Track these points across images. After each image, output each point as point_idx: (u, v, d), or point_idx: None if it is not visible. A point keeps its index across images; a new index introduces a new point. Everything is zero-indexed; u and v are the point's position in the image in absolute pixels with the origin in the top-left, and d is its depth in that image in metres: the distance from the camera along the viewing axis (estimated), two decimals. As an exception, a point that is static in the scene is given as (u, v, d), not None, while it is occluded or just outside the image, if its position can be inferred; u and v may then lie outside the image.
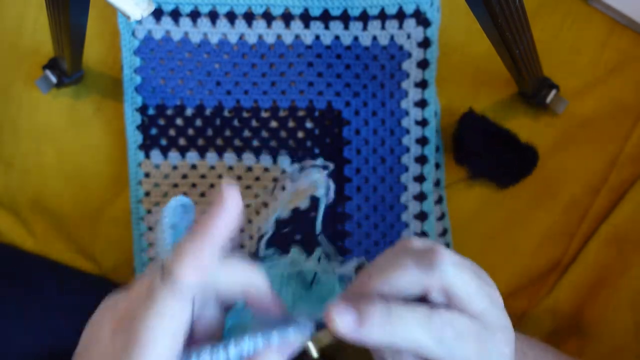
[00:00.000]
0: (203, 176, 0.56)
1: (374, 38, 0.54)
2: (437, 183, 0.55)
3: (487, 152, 0.53)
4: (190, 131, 0.56)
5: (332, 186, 0.42)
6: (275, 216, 0.47)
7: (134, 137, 0.56)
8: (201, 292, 0.31)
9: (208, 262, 0.29)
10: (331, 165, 0.43)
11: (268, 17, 0.54)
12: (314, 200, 0.48)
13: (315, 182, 0.42)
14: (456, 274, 0.30)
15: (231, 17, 0.55)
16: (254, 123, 0.56)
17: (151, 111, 0.56)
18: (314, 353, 0.31)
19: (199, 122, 0.56)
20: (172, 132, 0.56)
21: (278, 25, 0.54)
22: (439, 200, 0.55)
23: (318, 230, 0.43)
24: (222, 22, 0.55)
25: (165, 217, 0.33)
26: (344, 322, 0.29)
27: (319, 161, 0.45)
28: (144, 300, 0.30)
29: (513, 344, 0.32)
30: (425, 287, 0.30)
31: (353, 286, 0.32)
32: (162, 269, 0.29)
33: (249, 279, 0.32)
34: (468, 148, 0.54)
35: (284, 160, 0.55)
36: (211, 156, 0.56)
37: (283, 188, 0.56)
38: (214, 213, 0.29)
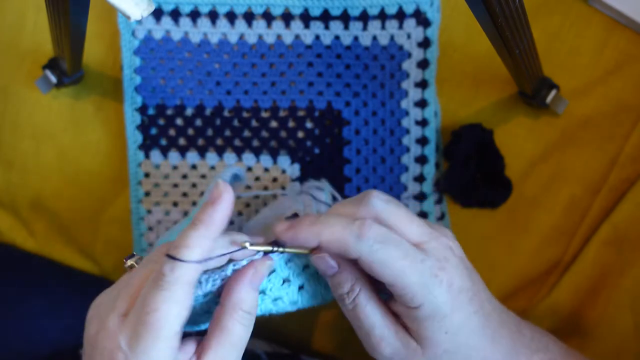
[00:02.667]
0: (203, 176, 0.56)
1: (374, 38, 0.54)
2: (437, 183, 0.55)
3: (466, 181, 0.54)
4: (190, 131, 0.56)
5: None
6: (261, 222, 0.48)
7: (134, 137, 0.56)
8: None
9: (210, 249, 0.34)
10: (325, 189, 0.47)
11: (268, 17, 0.54)
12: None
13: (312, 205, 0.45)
14: (384, 206, 0.37)
15: (231, 17, 0.55)
16: (254, 123, 0.56)
17: (151, 111, 0.56)
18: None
19: (199, 122, 0.56)
20: (172, 132, 0.56)
21: (278, 25, 0.54)
22: (439, 200, 0.55)
23: None
24: (222, 22, 0.55)
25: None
26: (281, 227, 0.37)
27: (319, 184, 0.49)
28: (153, 288, 0.33)
29: (456, 278, 0.37)
30: (352, 256, 0.36)
31: (286, 233, 0.38)
32: (169, 257, 0.33)
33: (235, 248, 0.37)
34: (451, 172, 0.54)
35: (284, 160, 0.55)
36: (211, 156, 0.56)
37: (282, 189, 0.56)
38: (213, 206, 0.34)
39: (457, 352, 0.38)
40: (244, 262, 0.36)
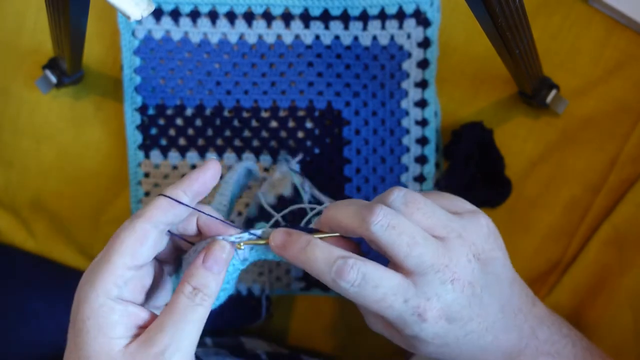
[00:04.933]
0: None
1: (374, 38, 0.54)
2: (437, 182, 0.55)
3: (466, 181, 0.54)
4: (190, 131, 0.56)
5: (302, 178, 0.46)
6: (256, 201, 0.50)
7: (134, 137, 0.56)
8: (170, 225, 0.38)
9: (181, 199, 0.37)
10: (293, 158, 0.50)
11: (268, 17, 0.54)
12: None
13: (286, 171, 0.48)
14: (383, 235, 0.36)
15: (231, 17, 0.54)
16: (254, 123, 0.56)
17: (151, 111, 0.56)
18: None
19: (198, 122, 0.56)
20: (172, 132, 0.56)
21: (278, 25, 0.54)
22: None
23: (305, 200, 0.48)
24: (222, 22, 0.55)
25: (234, 175, 0.43)
26: (275, 240, 0.38)
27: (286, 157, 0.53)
28: (124, 223, 0.36)
29: (452, 305, 0.36)
30: (359, 235, 0.37)
31: (320, 218, 0.40)
32: (147, 204, 0.37)
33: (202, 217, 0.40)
34: (451, 171, 0.54)
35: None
36: (211, 156, 0.56)
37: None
38: (197, 170, 0.38)
39: (444, 354, 0.39)
40: (232, 239, 0.38)
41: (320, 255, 0.37)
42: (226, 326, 0.58)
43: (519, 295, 0.41)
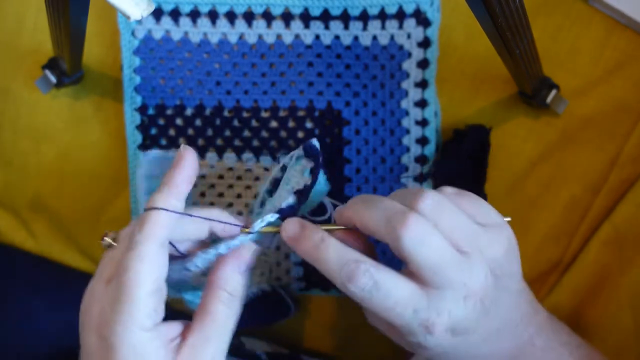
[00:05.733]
0: (203, 176, 0.56)
1: (374, 38, 0.54)
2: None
3: (452, 175, 0.54)
4: (190, 131, 0.56)
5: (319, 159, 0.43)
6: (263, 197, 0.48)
7: (134, 137, 0.56)
8: (171, 236, 0.37)
9: (176, 209, 0.36)
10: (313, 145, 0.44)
11: (268, 16, 0.54)
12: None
13: (303, 166, 0.45)
14: (413, 252, 0.34)
15: (231, 16, 0.54)
16: (254, 123, 0.56)
17: (151, 111, 0.56)
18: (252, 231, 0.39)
19: (198, 122, 0.56)
20: (171, 132, 0.56)
21: (278, 25, 0.54)
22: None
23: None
24: (222, 22, 0.55)
25: (141, 169, 0.41)
26: (288, 231, 0.37)
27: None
28: (125, 250, 0.34)
29: (460, 321, 0.36)
30: (386, 241, 0.35)
31: (339, 209, 0.39)
32: (138, 220, 0.35)
33: (211, 217, 0.39)
34: (443, 162, 0.55)
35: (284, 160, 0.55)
36: (211, 156, 0.56)
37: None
38: (176, 169, 0.36)
39: (440, 357, 0.39)
40: (237, 243, 0.38)
41: (333, 255, 0.36)
42: (258, 325, 0.57)
43: (524, 305, 0.41)
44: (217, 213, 0.39)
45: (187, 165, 0.37)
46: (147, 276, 0.34)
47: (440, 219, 0.35)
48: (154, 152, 0.45)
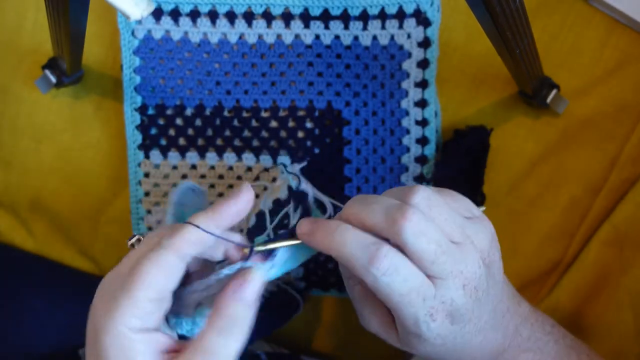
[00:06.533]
0: (203, 176, 0.56)
1: (374, 38, 0.54)
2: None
3: (455, 177, 0.54)
4: (190, 131, 0.56)
5: (301, 179, 0.44)
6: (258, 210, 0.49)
7: (134, 137, 0.56)
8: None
9: (212, 234, 0.35)
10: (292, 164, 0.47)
11: (268, 16, 0.54)
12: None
13: (284, 177, 0.46)
14: (414, 242, 0.35)
15: (231, 16, 0.54)
16: (254, 123, 0.56)
17: (151, 111, 0.56)
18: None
19: (198, 122, 0.56)
20: (171, 132, 0.56)
21: (278, 25, 0.54)
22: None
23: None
24: (222, 22, 0.55)
25: (174, 195, 0.40)
26: (302, 228, 0.37)
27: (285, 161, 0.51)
28: (146, 250, 0.34)
29: (460, 309, 0.36)
30: (385, 236, 0.36)
31: (341, 214, 0.39)
32: (171, 228, 0.35)
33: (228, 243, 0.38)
34: (444, 165, 0.55)
35: (284, 161, 0.55)
36: (211, 156, 0.56)
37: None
38: (230, 201, 0.36)
39: (438, 354, 0.39)
40: (238, 266, 0.36)
41: (351, 238, 0.35)
42: (277, 327, 0.56)
43: (508, 296, 0.41)
44: (239, 238, 0.38)
45: (241, 201, 0.36)
46: (154, 281, 0.33)
47: (433, 213, 0.36)
48: (190, 184, 0.46)
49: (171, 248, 0.34)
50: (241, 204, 0.36)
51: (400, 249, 0.36)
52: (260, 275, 0.36)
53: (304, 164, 0.53)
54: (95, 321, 0.34)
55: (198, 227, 0.35)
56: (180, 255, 0.34)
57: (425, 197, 0.36)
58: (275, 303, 0.54)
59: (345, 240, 0.35)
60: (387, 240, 0.36)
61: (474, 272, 0.37)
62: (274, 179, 0.56)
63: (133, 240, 0.38)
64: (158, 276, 0.33)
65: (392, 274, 0.35)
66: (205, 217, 0.35)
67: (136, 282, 0.33)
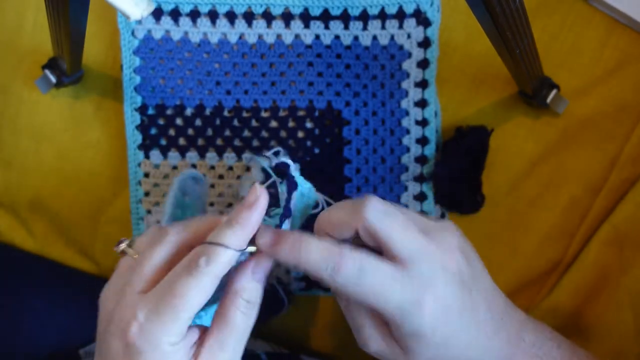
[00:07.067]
0: (203, 176, 0.56)
1: (374, 38, 0.54)
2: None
3: (455, 175, 0.54)
4: (190, 131, 0.56)
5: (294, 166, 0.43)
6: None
7: (134, 137, 0.56)
8: None
9: (241, 247, 0.36)
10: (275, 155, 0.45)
11: (268, 16, 0.54)
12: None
13: (256, 161, 0.45)
14: (378, 218, 0.36)
15: (231, 16, 0.54)
16: (254, 123, 0.56)
17: (151, 111, 0.56)
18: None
19: (198, 122, 0.56)
20: (171, 132, 0.56)
21: (278, 25, 0.54)
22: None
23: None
24: (222, 22, 0.55)
25: (175, 184, 0.40)
26: (263, 240, 0.37)
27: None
28: (186, 275, 0.35)
29: (445, 297, 0.36)
30: (353, 227, 0.36)
31: (314, 228, 0.39)
32: (206, 250, 0.35)
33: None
34: (445, 163, 0.55)
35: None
36: (211, 156, 0.56)
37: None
38: (253, 211, 0.36)
39: (443, 358, 0.38)
40: (248, 254, 0.38)
41: (314, 253, 0.36)
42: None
43: (501, 298, 0.41)
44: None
45: (261, 207, 0.37)
46: (197, 305, 0.35)
47: (392, 209, 0.37)
48: (191, 172, 0.46)
49: (212, 274, 0.35)
50: (261, 210, 0.37)
51: (366, 244, 0.36)
52: (272, 260, 0.37)
53: (296, 164, 0.51)
54: (128, 338, 0.35)
55: (228, 247, 0.36)
56: (218, 278, 0.36)
57: (380, 201, 0.37)
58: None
59: (309, 256, 0.36)
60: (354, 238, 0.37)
61: (449, 255, 0.37)
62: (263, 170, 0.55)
63: (123, 246, 0.39)
64: (200, 298, 0.35)
65: (358, 276, 0.35)
66: (233, 235, 0.36)
67: (182, 308, 0.34)
